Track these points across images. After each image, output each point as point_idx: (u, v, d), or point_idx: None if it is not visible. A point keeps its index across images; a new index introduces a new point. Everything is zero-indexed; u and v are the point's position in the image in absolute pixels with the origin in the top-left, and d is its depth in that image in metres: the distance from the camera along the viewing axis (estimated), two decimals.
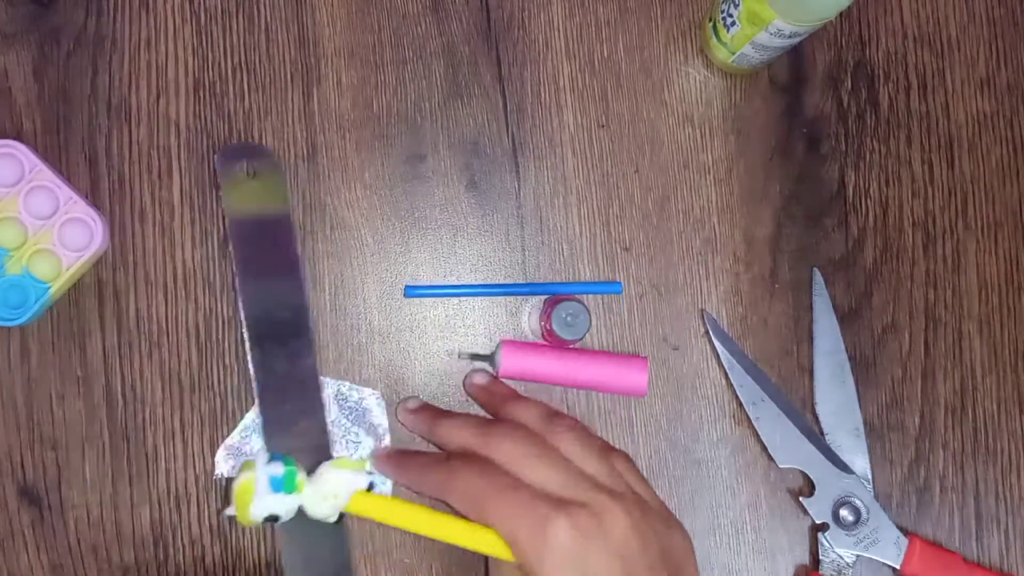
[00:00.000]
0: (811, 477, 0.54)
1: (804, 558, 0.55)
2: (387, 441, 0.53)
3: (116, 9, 0.54)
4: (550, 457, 0.44)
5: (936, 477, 0.56)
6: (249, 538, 0.53)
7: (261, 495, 0.40)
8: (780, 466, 0.54)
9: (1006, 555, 0.56)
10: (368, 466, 0.42)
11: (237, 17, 0.55)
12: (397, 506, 0.43)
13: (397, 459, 0.51)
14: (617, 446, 0.54)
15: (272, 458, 0.41)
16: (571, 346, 0.54)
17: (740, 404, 0.55)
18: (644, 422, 0.55)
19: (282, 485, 0.40)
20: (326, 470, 0.41)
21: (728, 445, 0.55)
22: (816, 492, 0.54)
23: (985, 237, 0.57)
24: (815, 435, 0.54)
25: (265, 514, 0.41)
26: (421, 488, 0.48)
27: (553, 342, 0.53)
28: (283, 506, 0.41)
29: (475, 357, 0.54)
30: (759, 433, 0.54)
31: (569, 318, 0.52)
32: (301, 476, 0.41)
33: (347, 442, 0.53)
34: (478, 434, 0.45)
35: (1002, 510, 0.56)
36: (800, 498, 0.54)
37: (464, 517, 0.43)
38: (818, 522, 0.54)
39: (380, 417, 0.53)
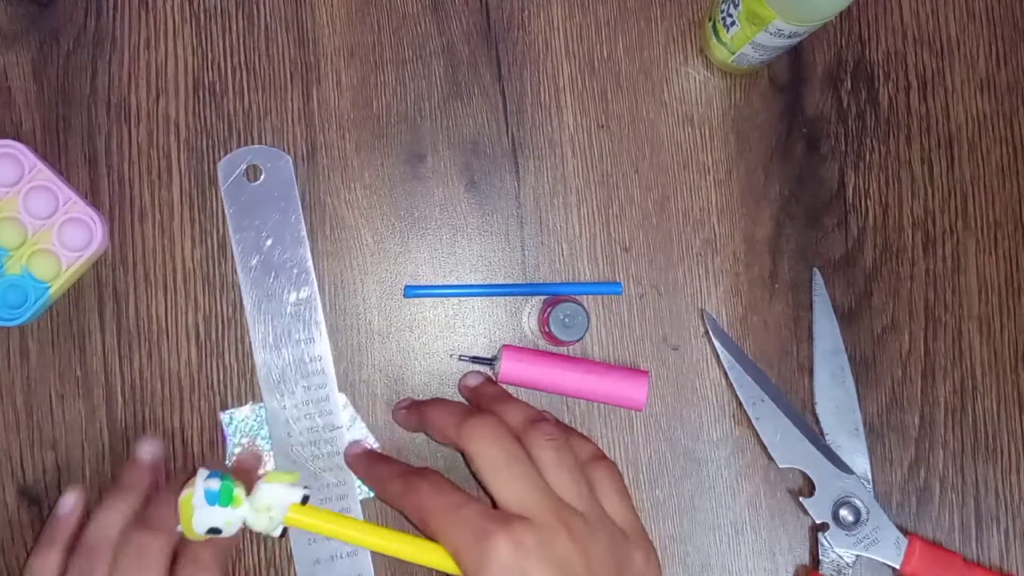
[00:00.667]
0: (811, 477, 0.54)
1: (804, 558, 0.55)
2: (350, 438, 0.53)
3: (116, 9, 0.54)
4: (517, 466, 0.44)
5: (936, 477, 0.56)
6: (249, 539, 0.53)
7: (200, 508, 0.42)
8: (780, 466, 0.54)
9: (1006, 555, 0.56)
10: (299, 478, 0.44)
11: (237, 17, 0.55)
12: (335, 520, 0.44)
13: (366, 462, 0.51)
14: (616, 446, 0.54)
15: (211, 475, 0.43)
16: (570, 347, 0.54)
17: (740, 404, 0.55)
18: (644, 422, 0.55)
19: (218, 499, 0.42)
20: (260, 483, 0.43)
21: (728, 445, 0.55)
22: (816, 492, 0.54)
23: (985, 237, 0.57)
24: (815, 435, 0.54)
25: (206, 527, 0.42)
26: (381, 496, 0.49)
27: (552, 343, 0.53)
28: (223, 519, 0.42)
29: (476, 360, 0.54)
30: (759, 433, 0.54)
31: (567, 319, 0.52)
32: (239, 491, 0.43)
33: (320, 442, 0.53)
34: (457, 424, 0.46)
35: (1002, 510, 0.56)
36: (800, 498, 0.54)
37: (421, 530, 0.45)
38: (818, 522, 0.54)
39: (340, 418, 0.53)
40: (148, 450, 0.50)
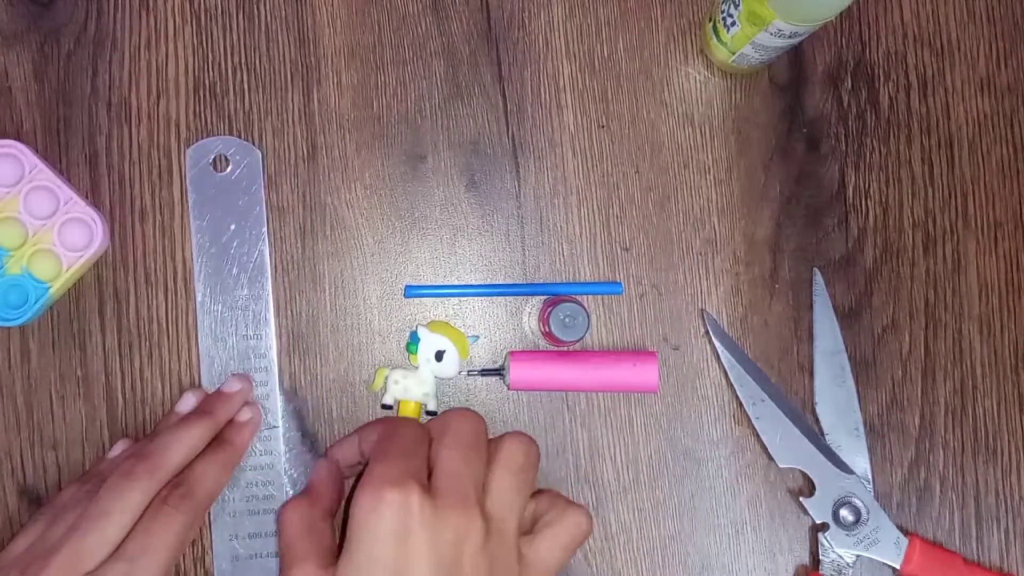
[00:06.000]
0: (811, 477, 0.54)
1: (804, 558, 0.55)
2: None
3: (116, 9, 0.54)
4: (471, 453, 0.44)
5: (936, 477, 0.56)
6: None
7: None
8: (780, 466, 0.54)
9: (1006, 555, 0.56)
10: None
11: (237, 17, 0.55)
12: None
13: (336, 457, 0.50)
14: (616, 446, 0.54)
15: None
16: (571, 347, 0.54)
17: (740, 404, 0.55)
18: (644, 422, 0.55)
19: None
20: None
21: (728, 445, 0.55)
22: (816, 492, 0.54)
23: (985, 237, 0.57)
24: (815, 435, 0.54)
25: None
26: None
27: (552, 343, 0.53)
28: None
29: (484, 373, 0.54)
30: (759, 433, 0.54)
31: (567, 319, 0.52)
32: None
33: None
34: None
35: (1002, 510, 0.56)
36: (800, 498, 0.54)
37: None
38: (818, 522, 0.54)
39: (278, 417, 0.53)
40: (237, 386, 0.52)
